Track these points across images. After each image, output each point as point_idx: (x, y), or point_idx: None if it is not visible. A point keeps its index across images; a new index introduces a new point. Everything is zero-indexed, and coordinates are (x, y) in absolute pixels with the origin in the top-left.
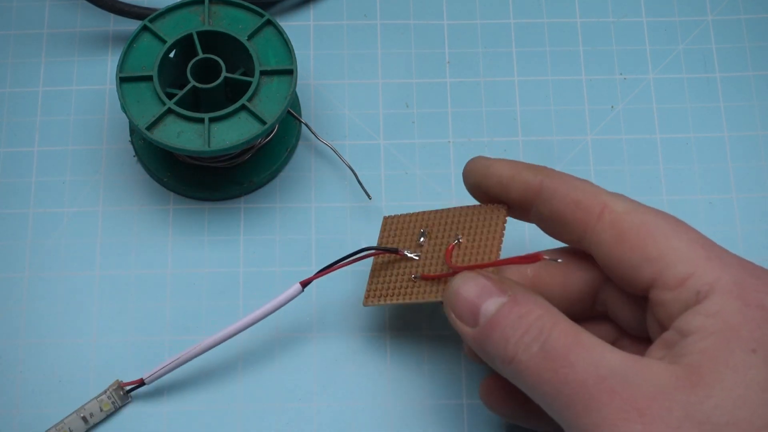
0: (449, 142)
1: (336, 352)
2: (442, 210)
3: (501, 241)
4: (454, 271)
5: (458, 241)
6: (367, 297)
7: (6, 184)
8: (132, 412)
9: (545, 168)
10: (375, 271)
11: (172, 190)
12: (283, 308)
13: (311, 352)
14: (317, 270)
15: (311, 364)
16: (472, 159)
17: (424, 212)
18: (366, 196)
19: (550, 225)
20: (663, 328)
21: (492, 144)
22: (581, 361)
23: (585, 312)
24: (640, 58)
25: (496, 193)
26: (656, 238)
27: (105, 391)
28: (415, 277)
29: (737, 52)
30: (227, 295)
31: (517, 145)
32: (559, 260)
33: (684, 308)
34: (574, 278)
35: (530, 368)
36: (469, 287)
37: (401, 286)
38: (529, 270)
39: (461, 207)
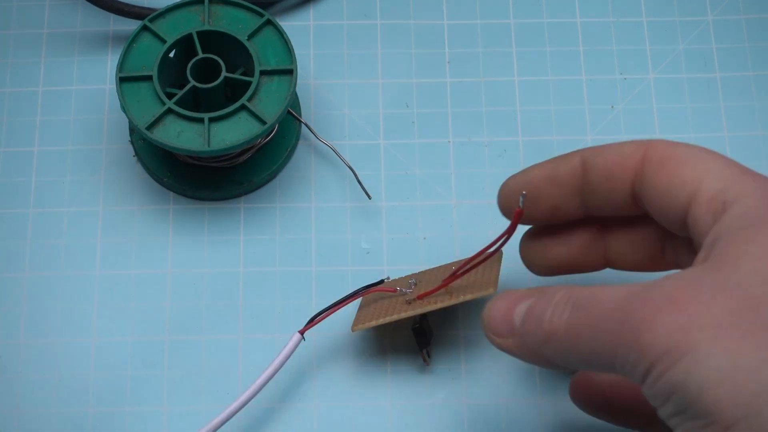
0: (449, 142)
1: (336, 352)
2: (429, 269)
3: (499, 267)
4: (448, 282)
5: (453, 270)
6: (355, 323)
7: (6, 184)
8: (133, 412)
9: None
10: (363, 306)
11: (172, 190)
12: (282, 307)
13: (311, 352)
14: (314, 315)
15: (311, 363)
16: (505, 183)
17: (409, 275)
18: (366, 196)
19: (601, 192)
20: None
21: (492, 144)
22: (609, 295)
23: (655, 264)
24: (640, 58)
25: (542, 193)
26: (692, 162)
27: None
28: (409, 301)
29: (737, 52)
30: (227, 295)
31: (517, 145)
32: (523, 192)
33: (714, 221)
34: (640, 227)
35: (566, 329)
36: (498, 302)
37: (391, 309)
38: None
39: (446, 264)
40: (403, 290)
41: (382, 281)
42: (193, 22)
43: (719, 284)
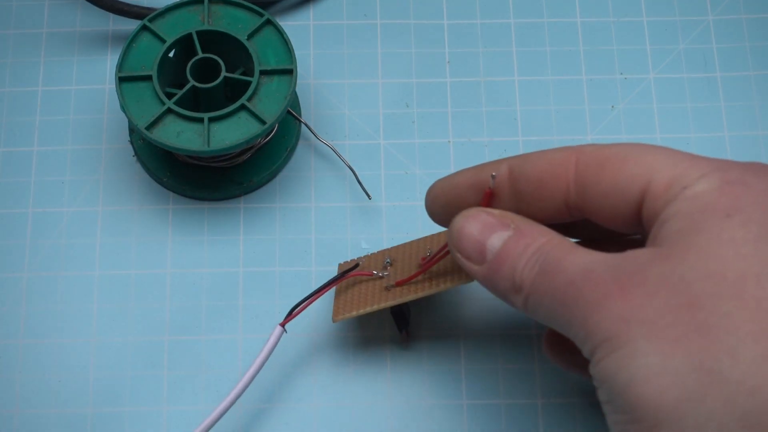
0: (449, 142)
1: (336, 352)
2: (403, 244)
3: None
4: (425, 268)
5: (429, 254)
6: (336, 313)
7: (5, 183)
8: (133, 412)
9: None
10: (339, 292)
11: (172, 189)
12: (282, 307)
13: (311, 352)
14: (292, 307)
15: (311, 363)
16: (431, 187)
17: (384, 249)
18: (366, 196)
19: (531, 201)
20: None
21: (492, 144)
22: (571, 264)
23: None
24: (641, 58)
25: (466, 200)
26: (636, 157)
27: None
28: (387, 287)
29: (738, 51)
30: (227, 295)
31: (517, 145)
32: (493, 174)
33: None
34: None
35: (533, 288)
36: (471, 224)
37: (371, 296)
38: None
39: (421, 238)
40: (380, 273)
41: (357, 264)
42: (193, 21)
43: (665, 276)
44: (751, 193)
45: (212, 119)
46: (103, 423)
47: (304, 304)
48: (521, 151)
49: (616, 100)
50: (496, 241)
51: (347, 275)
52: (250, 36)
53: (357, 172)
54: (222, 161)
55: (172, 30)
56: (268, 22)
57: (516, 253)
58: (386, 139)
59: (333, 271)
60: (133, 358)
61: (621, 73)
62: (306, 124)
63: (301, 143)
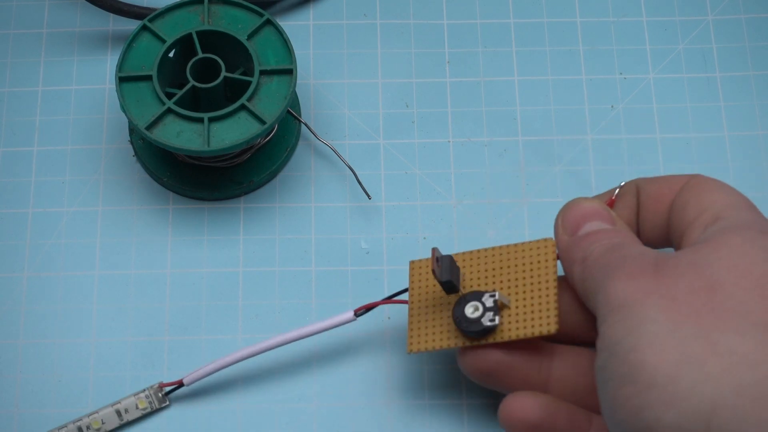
0: (449, 141)
1: (336, 352)
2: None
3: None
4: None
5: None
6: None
7: (5, 183)
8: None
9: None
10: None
11: (172, 189)
12: (282, 308)
13: (311, 353)
14: (372, 302)
15: (311, 363)
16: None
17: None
18: (366, 196)
19: (647, 216)
20: None
21: (492, 144)
22: (632, 248)
23: None
24: (640, 58)
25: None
26: (713, 191)
27: (144, 390)
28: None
29: (737, 51)
30: (227, 295)
31: (517, 144)
32: (621, 183)
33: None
34: None
35: (594, 260)
36: (582, 208)
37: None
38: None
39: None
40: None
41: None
42: (193, 21)
43: (693, 261)
44: None
45: (212, 119)
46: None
47: (380, 301)
48: (521, 151)
49: (615, 100)
50: (593, 225)
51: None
52: (250, 36)
53: (357, 172)
54: (222, 161)
55: (172, 30)
56: (268, 22)
57: (600, 236)
58: (386, 139)
59: (333, 272)
60: (133, 358)
61: (621, 73)
62: (306, 124)
63: (301, 143)
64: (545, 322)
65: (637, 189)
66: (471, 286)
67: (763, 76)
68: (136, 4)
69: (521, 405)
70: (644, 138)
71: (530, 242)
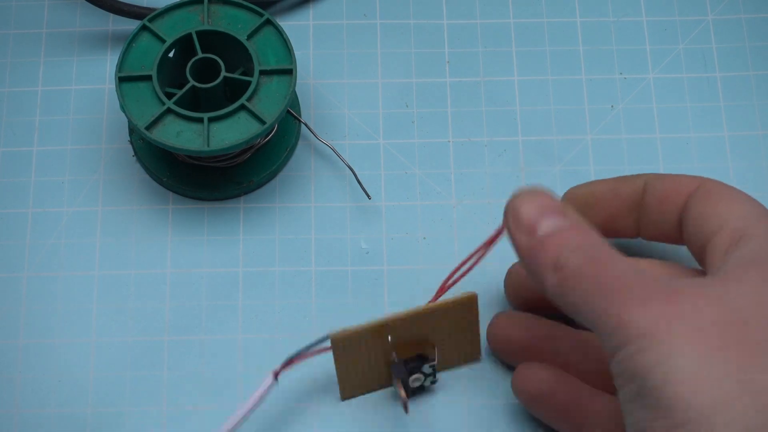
0: (449, 141)
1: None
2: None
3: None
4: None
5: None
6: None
7: (5, 183)
8: (133, 412)
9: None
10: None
11: (172, 189)
12: (282, 308)
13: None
14: (289, 356)
15: (311, 363)
16: (569, 191)
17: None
18: (366, 196)
19: (652, 216)
20: None
21: (492, 144)
22: (625, 263)
23: None
24: (640, 58)
25: (604, 204)
26: (726, 200)
27: None
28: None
29: (737, 51)
30: (227, 295)
31: (517, 144)
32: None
33: (727, 252)
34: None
35: (575, 271)
36: (532, 204)
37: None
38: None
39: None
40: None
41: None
42: (193, 21)
43: (718, 295)
44: None
45: (212, 119)
46: (102, 423)
47: (297, 356)
48: (521, 151)
49: (615, 100)
50: (550, 223)
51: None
52: (250, 36)
53: (357, 172)
54: (222, 161)
55: (171, 30)
56: (268, 22)
57: (566, 238)
58: (386, 139)
59: (333, 272)
60: (133, 358)
61: (621, 73)
62: (306, 124)
63: (300, 143)
64: (472, 356)
65: (644, 185)
66: (405, 344)
67: (763, 76)
68: (136, 4)
69: (531, 376)
70: (644, 138)
71: (455, 299)
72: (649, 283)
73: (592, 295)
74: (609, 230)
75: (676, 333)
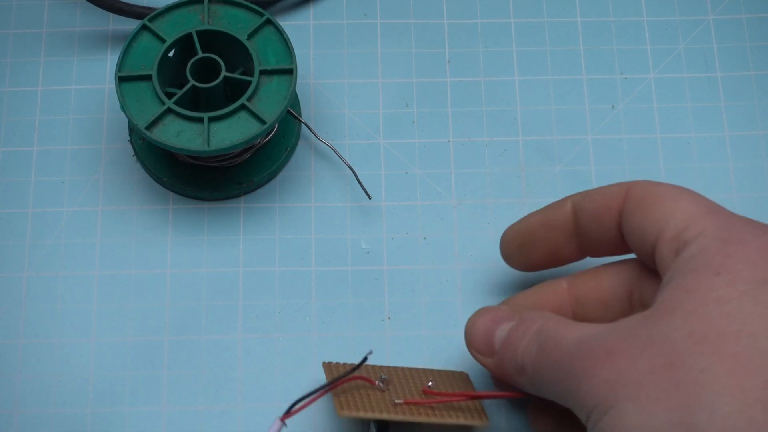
0: (449, 141)
1: (337, 353)
2: (396, 367)
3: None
4: (436, 401)
5: (430, 384)
6: (341, 407)
7: (5, 183)
8: (133, 412)
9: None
10: (338, 393)
11: (172, 189)
12: (282, 308)
13: (312, 353)
14: (293, 402)
15: (311, 364)
16: (504, 233)
17: (375, 365)
18: (366, 196)
19: (591, 235)
20: None
21: (492, 144)
22: (565, 339)
23: (625, 314)
24: (641, 58)
25: (538, 238)
26: (664, 201)
27: None
28: (394, 402)
29: (738, 51)
30: (227, 295)
31: (517, 144)
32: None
33: (673, 260)
34: (607, 280)
35: (533, 366)
36: (480, 320)
37: (376, 404)
38: (564, 282)
39: (416, 368)
40: (380, 384)
41: (366, 358)
42: (193, 21)
43: (650, 337)
44: (743, 251)
45: (212, 119)
46: (102, 423)
47: (305, 401)
48: (521, 151)
49: (616, 100)
50: (502, 331)
51: (351, 376)
52: (250, 36)
53: (357, 172)
54: (222, 161)
55: (172, 30)
56: (268, 21)
57: (518, 337)
58: (386, 139)
59: (333, 272)
60: (133, 358)
61: (621, 73)
62: (306, 124)
63: (301, 143)
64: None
65: (572, 208)
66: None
67: (763, 76)
68: (136, 4)
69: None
70: (644, 138)
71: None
72: (589, 350)
73: (554, 384)
74: (556, 259)
75: (619, 396)
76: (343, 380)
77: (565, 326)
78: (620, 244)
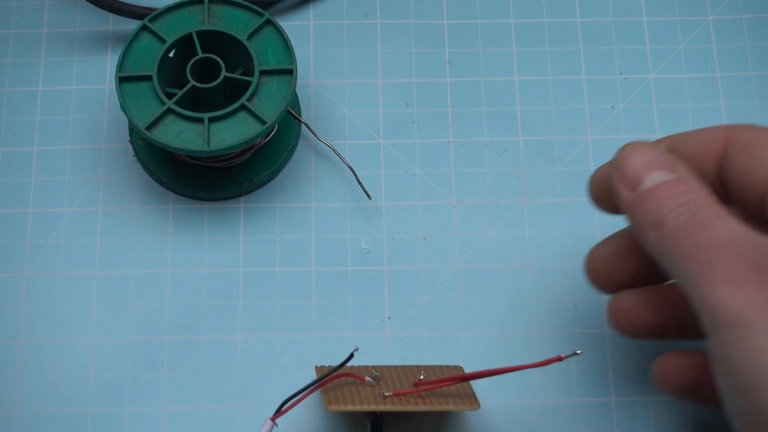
0: (449, 141)
1: (337, 353)
2: (389, 366)
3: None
4: (424, 390)
5: (422, 377)
6: (329, 402)
7: (5, 183)
8: (133, 412)
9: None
10: (327, 390)
11: (172, 189)
12: (282, 308)
13: (312, 353)
14: (283, 401)
15: (311, 364)
16: (593, 174)
17: (368, 365)
18: (366, 196)
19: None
20: None
21: (492, 144)
22: (722, 227)
23: None
24: (641, 58)
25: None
26: None
27: None
28: (383, 395)
29: (738, 51)
30: (227, 295)
31: (517, 144)
32: (579, 351)
33: None
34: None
35: (675, 231)
36: (640, 156)
37: (365, 397)
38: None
39: (408, 366)
40: (370, 381)
41: (353, 353)
42: (193, 21)
43: None
44: None
45: (212, 119)
46: (102, 423)
47: (295, 400)
48: (521, 151)
49: (616, 100)
50: (656, 177)
51: (340, 373)
52: (250, 36)
53: (357, 172)
54: (222, 161)
55: (172, 30)
56: (268, 22)
57: (671, 195)
58: (386, 139)
59: (333, 272)
60: (133, 358)
61: (621, 73)
62: (306, 124)
63: (301, 143)
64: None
65: (668, 150)
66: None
67: (763, 76)
68: (136, 4)
69: (671, 365)
70: (644, 138)
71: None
72: (741, 260)
73: (686, 263)
74: None
75: (763, 326)
76: (331, 377)
77: (722, 214)
78: (719, 192)
